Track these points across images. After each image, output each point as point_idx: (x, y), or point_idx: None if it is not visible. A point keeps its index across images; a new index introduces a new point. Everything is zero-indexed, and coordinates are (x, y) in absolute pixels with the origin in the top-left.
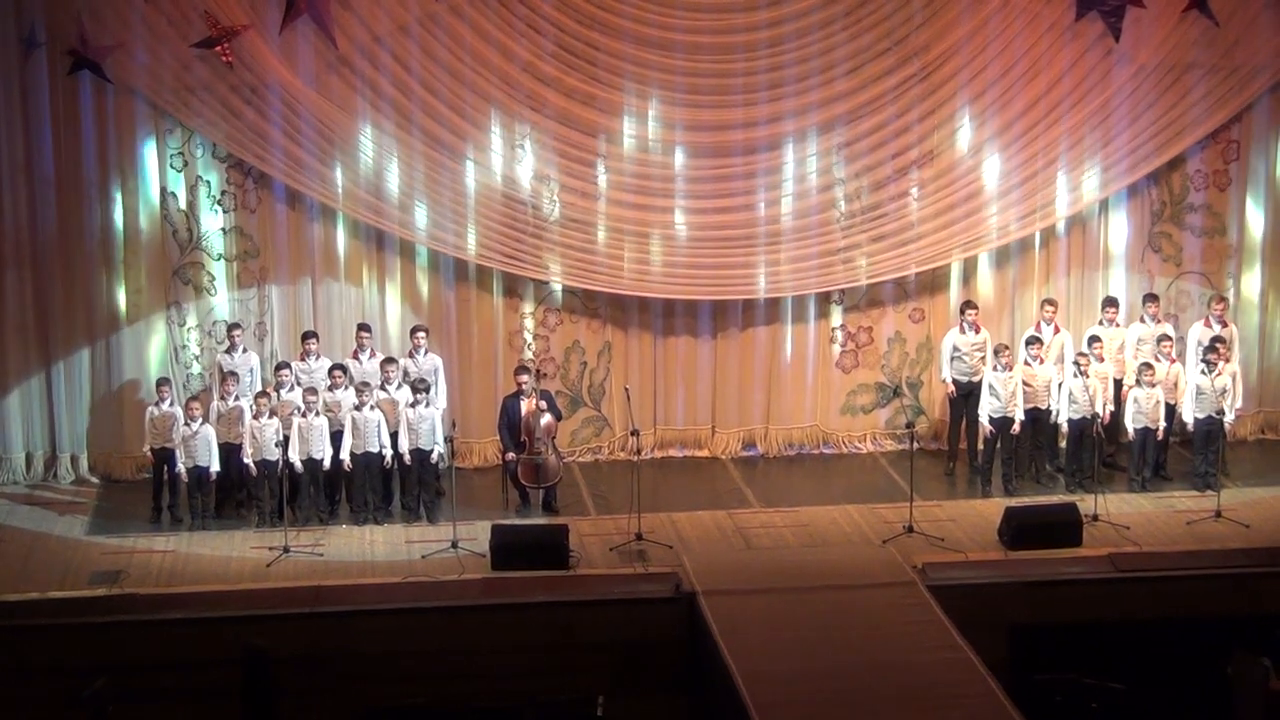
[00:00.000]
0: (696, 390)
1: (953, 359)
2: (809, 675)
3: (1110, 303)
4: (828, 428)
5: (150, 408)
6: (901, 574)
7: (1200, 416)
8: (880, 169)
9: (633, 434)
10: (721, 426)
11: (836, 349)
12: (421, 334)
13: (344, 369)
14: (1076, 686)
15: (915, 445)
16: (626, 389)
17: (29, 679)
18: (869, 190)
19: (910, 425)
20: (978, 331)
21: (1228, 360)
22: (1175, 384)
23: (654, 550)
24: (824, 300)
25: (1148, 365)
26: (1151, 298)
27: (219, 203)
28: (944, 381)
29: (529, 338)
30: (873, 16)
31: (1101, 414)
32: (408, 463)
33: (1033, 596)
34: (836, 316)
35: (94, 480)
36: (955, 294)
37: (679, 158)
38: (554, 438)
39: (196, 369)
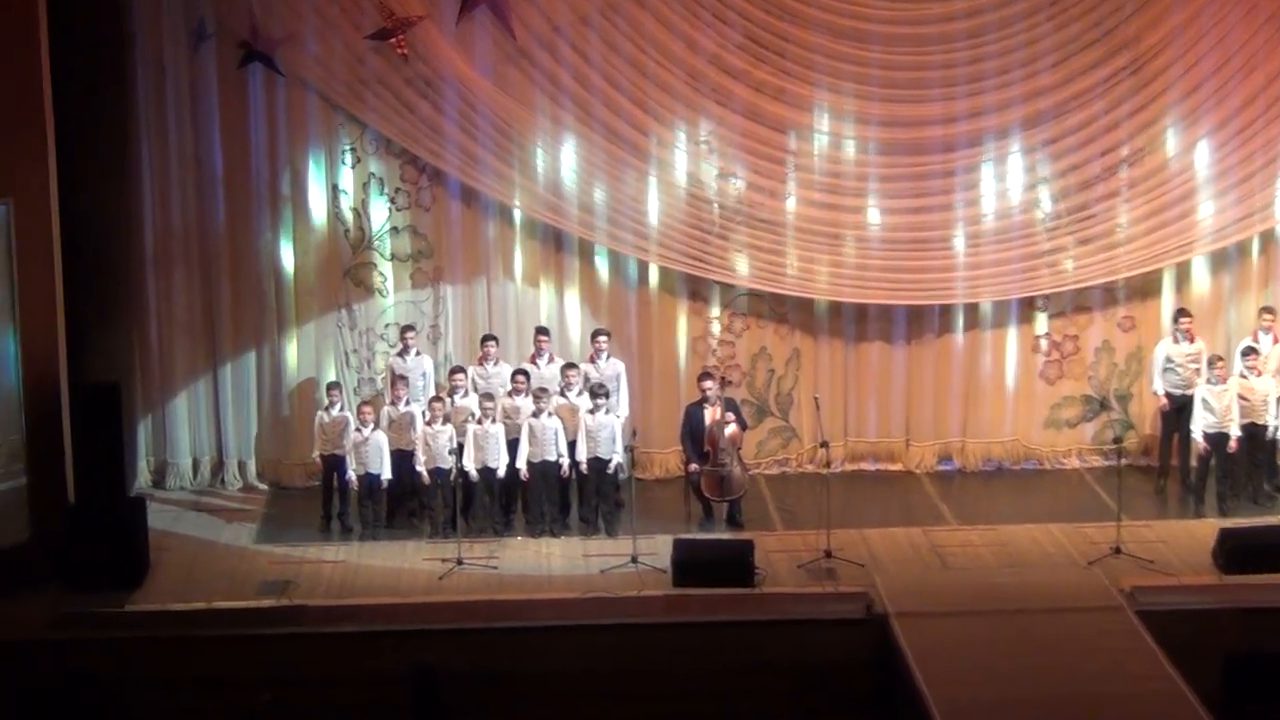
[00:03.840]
0: (890, 400)
1: (1165, 370)
2: (1007, 705)
3: None
4: (1030, 442)
5: (320, 412)
6: (1108, 598)
7: None
8: (1087, 167)
9: (822, 446)
10: (916, 439)
11: (1040, 359)
12: (603, 338)
13: (526, 374)
14: None
15: (1123, 461)
16: (816, 398)
17: (193, 692)
18: (1075, 190)
19: (1119, 440)
20: (1191, 341)
21: None
22: None
23: (844, 569)
24: (1027, 306)
25: None
26: None
27: (392, 200)
28: (1155, 394)
29: (714, 343)
30: (1080, 6)
31: None
32: (586, 473)
33: (1250, 624)
34: (1040, 324)
35: (262, 487)
36: (1168, 301)
37: (873, 155)
38: (739, 448)
39: (368, 373)
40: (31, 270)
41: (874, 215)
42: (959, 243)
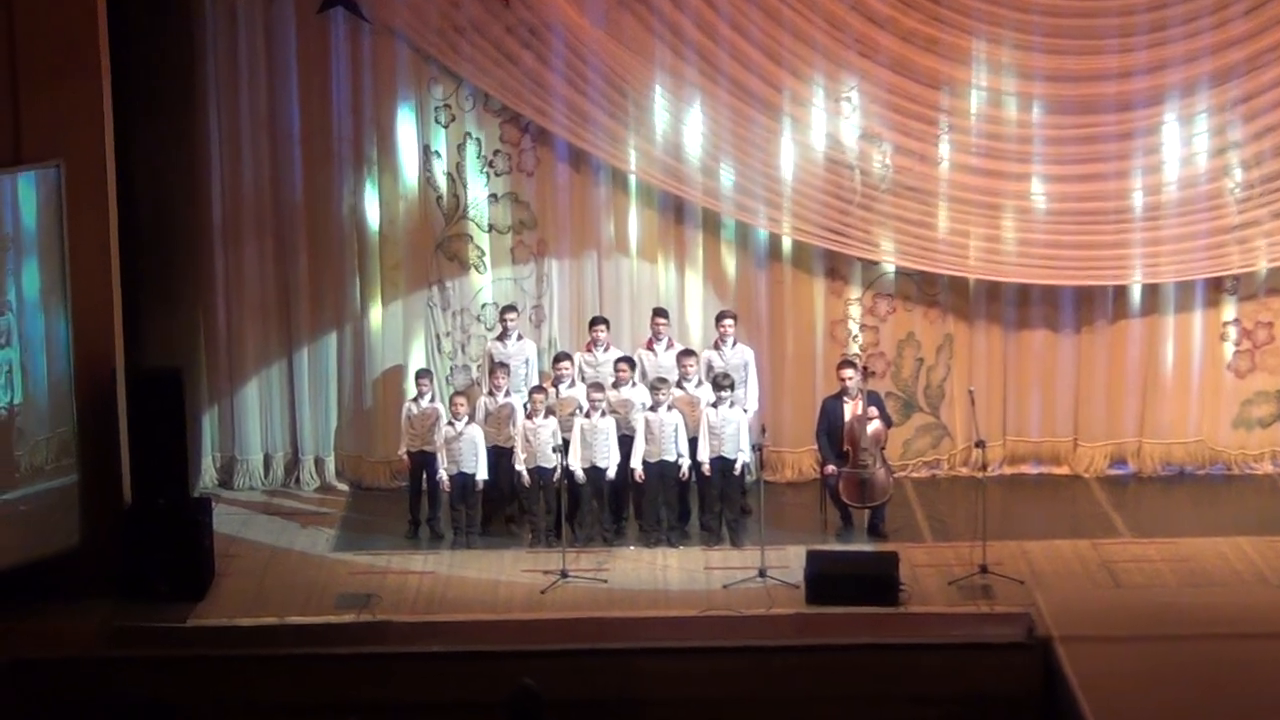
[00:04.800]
0: (1055, 395)
1: None
2: None
3: None
4: (1216, 444)
5: (408, 404)
6: None
7: None
8: None
9: (978, 446)
10: (1085, 439)
11: (1229, 349)
12: (729, 321)
13: (631, 362)
14: None
15: None
16: (971, 392)
17: (263, 718)
18: (1270, 156)
19: None
20: None
21: None
22: None
23: (1002, 586)
24: (1214, 288)
25: None
26: None
27: (490, 164)
28: None
29: (855, 328)
30: None
31: None
32: (708, 474)
33: None
34: (1229, 309)
35: (342, 487)
36: None
37: (1038, 114)
38: (883, 448)
39: (462, 359)
40: (85, 242)
41: (1038, 184)
42: (1136, 215)
